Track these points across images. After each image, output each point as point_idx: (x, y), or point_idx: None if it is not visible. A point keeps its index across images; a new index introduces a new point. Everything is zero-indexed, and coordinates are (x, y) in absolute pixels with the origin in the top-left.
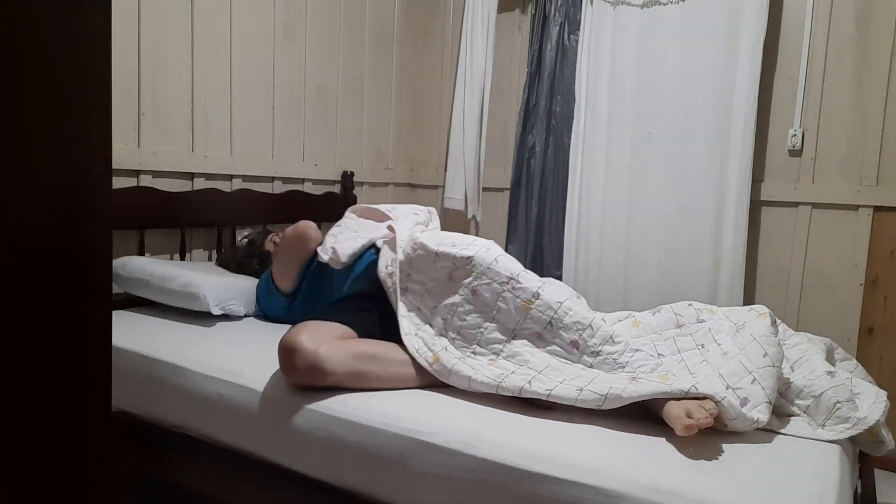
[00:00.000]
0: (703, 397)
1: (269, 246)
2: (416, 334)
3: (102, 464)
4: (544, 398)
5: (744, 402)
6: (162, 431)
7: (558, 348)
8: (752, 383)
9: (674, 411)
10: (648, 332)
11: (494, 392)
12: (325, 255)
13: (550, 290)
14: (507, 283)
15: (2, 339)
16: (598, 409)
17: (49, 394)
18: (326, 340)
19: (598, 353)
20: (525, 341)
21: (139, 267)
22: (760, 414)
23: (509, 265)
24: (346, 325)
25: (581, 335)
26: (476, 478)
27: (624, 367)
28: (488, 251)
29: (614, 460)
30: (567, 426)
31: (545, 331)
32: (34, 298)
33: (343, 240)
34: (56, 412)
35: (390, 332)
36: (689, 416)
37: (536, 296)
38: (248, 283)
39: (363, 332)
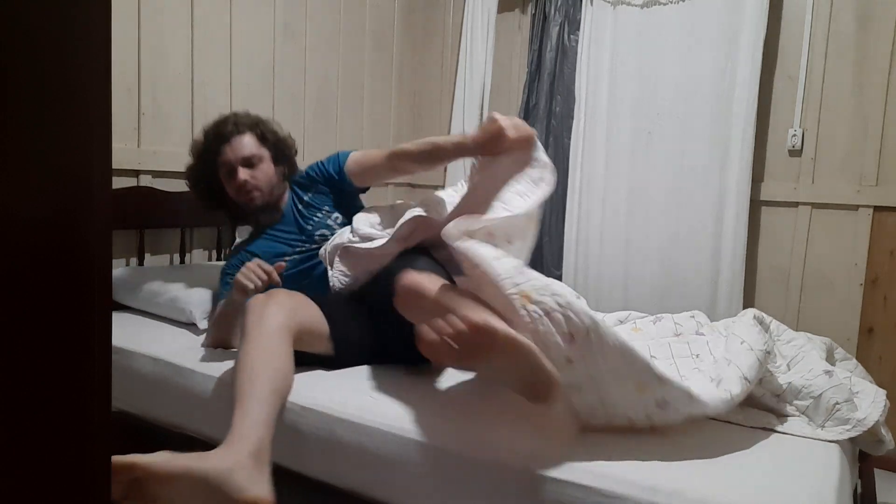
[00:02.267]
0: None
1: (223, 178)
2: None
3: (102, 464)
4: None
5: (718, 382)
6: (162, 431)
7: None
8: (728, 365)
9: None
10: (646, 339)
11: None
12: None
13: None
14: None
15: (2, 340)
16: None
17: (49, 395)
18: (286, 304)
19: None
20: None
21: (129, 281)
22: (732, 386)
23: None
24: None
25: None
26: (476, 478)
27: None
28: None
29: (614, 460)
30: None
31: None
32: (35, 300)
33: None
34: (56, 413)
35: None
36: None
37: None
38: None
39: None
